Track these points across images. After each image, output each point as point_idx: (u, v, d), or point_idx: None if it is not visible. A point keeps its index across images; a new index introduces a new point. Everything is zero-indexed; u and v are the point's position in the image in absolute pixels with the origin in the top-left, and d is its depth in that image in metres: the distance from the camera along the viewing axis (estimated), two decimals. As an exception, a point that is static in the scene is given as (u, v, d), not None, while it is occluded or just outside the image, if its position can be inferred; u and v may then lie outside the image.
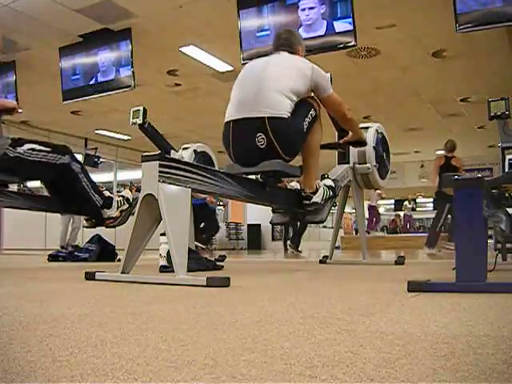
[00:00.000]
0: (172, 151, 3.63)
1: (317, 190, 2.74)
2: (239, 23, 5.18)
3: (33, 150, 2.96)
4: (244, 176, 2.59)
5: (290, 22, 4.87)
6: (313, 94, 2.67)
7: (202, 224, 7.10)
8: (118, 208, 3.31)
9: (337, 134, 3.65)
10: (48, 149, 3.02)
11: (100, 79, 6.24)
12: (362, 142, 3.15)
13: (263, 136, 2.44)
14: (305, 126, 2.56)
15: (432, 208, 17.41)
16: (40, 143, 3.06)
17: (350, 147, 3.52)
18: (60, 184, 3.13)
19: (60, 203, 3.37)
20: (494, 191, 1.73)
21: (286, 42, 2.78)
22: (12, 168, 2.98)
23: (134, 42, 5.92)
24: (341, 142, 3.23)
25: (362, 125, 3.75)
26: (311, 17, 4.75)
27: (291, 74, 2.56)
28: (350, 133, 3.08)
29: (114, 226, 3.45)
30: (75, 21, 5.77)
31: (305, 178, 2.74)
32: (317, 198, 2.72)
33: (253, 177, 2.71)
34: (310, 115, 2.59)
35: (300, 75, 2.57)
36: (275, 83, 2.50)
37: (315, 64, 2.67)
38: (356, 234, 14.90)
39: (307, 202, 2.72)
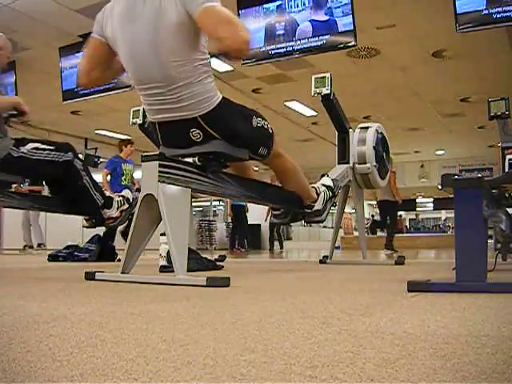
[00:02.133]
0: None
1: (318, 195, 2.72)
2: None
3: (36, 148, 2.95)
4: (244, 176, 2.58)
5: (288, 21, 4.88)
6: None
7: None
8: (118, 208, 3.31)
9: (337, 134, 3.66)
10: (51, 147, 3.01)
11: (100, 79, 6.24)
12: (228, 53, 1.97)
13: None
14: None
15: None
16: (43, 142, 3.05)
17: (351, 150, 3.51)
18: (62, 181, 3.12)
19: (61, 202, 3.37)
20: (494, 191, 1.73)
21: None
22: (16, 168, 2.97)
23: (133, 41, 5.91)
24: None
25: (361, 125, 3.76)
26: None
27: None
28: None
29: (114, 226, 3.45)
30: (75, 21, 5.78)
31: (301, 195, 2.66)
32: (318, 206, 2.71)
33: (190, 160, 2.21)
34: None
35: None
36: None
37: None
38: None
39: (309, 210, 2.71)
